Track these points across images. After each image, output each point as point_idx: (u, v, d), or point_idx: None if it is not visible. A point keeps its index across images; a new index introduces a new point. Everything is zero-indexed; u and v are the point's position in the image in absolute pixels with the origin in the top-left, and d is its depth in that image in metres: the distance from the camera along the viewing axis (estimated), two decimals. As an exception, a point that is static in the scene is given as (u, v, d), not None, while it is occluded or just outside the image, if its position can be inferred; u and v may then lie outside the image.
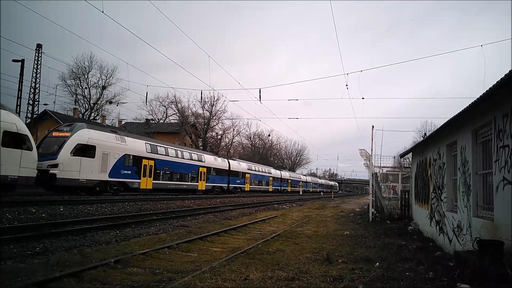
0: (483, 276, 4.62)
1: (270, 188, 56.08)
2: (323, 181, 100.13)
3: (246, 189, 46.03)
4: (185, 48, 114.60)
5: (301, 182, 75.42)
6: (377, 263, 6.82)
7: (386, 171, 19.58)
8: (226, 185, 40.21)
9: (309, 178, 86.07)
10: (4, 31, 61.42)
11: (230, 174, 41.16)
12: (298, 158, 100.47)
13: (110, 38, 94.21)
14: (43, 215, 11.79)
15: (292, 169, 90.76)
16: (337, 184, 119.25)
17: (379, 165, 17.47)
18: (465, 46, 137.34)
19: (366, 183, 67.28)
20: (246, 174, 46.58)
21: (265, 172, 54.88)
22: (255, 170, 50.55)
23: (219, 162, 39.31)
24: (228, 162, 41.62)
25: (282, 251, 8.08)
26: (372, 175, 17.12)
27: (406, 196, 16.37)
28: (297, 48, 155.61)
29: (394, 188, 19.67)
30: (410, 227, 12.82)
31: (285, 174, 66.24)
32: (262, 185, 52.65)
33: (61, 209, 13.52)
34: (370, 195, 17.28)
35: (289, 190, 64.89)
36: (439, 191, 9.65)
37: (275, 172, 60.02)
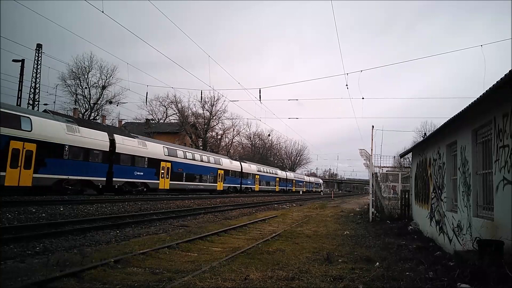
0: (483, 276, 4.62)
1: (304, 189, 75.46)
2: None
3: (293, 190, 67.83)
4: (185, 48, 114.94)
5: (319, 184, 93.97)
6: (377, 263, 6.82)
7: (386, 171, 19.58)
8: (284, 188, 62.75)
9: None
10: (4, 31, 61.47)
11: (287, 181, 65.19)
12: (298, 158, 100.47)
13: (110, 38, 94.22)
14: (43, 215, 11.79)
15: (292, 169, 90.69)
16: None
17: (379, 165, 17.47)
18: (465, 46, 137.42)
19: (366, 183, 67.69)
20: (293, 181, 69.56)
21: (302, 179, 77.83)
22: (297, 178, 73.88)
23: (284, 173, 64.30)
24: (286, 174, 65.79)
25: (282, 251, 8.08)
26: (372, 175, 17.09)
27: (406, 196, 16.35)
28: (297, 48, 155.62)
29: (394, 188, 19.67)
30: (410, 227, 12.81)
31: (311, 179, 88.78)
32: (299, 187, 73.09)
33: (61, 209, 13.52)
34: (370, 195, 17.27)
35: (314, 191, 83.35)
36: (439, 191, 9.65)
37: (306, 178, 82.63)
